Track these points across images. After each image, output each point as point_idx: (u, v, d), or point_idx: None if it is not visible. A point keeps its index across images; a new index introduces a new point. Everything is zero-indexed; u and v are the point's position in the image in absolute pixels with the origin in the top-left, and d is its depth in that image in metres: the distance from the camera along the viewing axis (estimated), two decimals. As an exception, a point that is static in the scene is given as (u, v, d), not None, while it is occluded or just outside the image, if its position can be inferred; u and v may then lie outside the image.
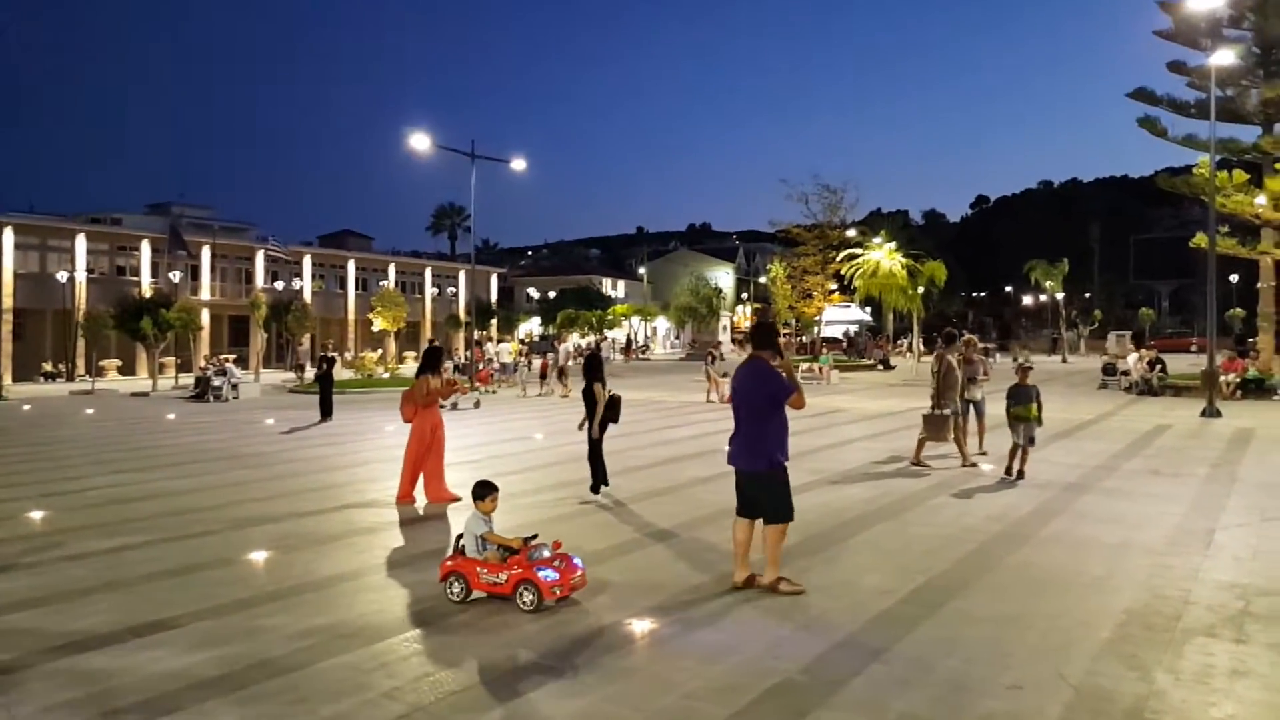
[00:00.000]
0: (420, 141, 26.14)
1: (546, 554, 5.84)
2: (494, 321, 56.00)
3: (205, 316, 43.64)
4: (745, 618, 5.56)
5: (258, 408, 23.02)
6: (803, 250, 44.78)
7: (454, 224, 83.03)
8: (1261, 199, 23.87)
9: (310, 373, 32.41)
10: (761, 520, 6.12)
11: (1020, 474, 10.36)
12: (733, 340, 64.24)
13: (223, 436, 16.44)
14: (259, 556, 7.25)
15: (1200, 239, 22.46)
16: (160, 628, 5.47)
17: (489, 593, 5.79)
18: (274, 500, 9.85)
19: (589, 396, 9.65)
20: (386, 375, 34.97)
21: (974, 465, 11.34)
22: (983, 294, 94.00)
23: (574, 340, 49.75)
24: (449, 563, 5.97)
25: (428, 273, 60.18)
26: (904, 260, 39.89)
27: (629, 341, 63.54)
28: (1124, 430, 15.46)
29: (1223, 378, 21.23)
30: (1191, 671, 4.64)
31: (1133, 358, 26.22)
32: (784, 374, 6.19)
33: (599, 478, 9.56)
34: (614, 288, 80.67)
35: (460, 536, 6.13)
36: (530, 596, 5.59)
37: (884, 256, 39.73)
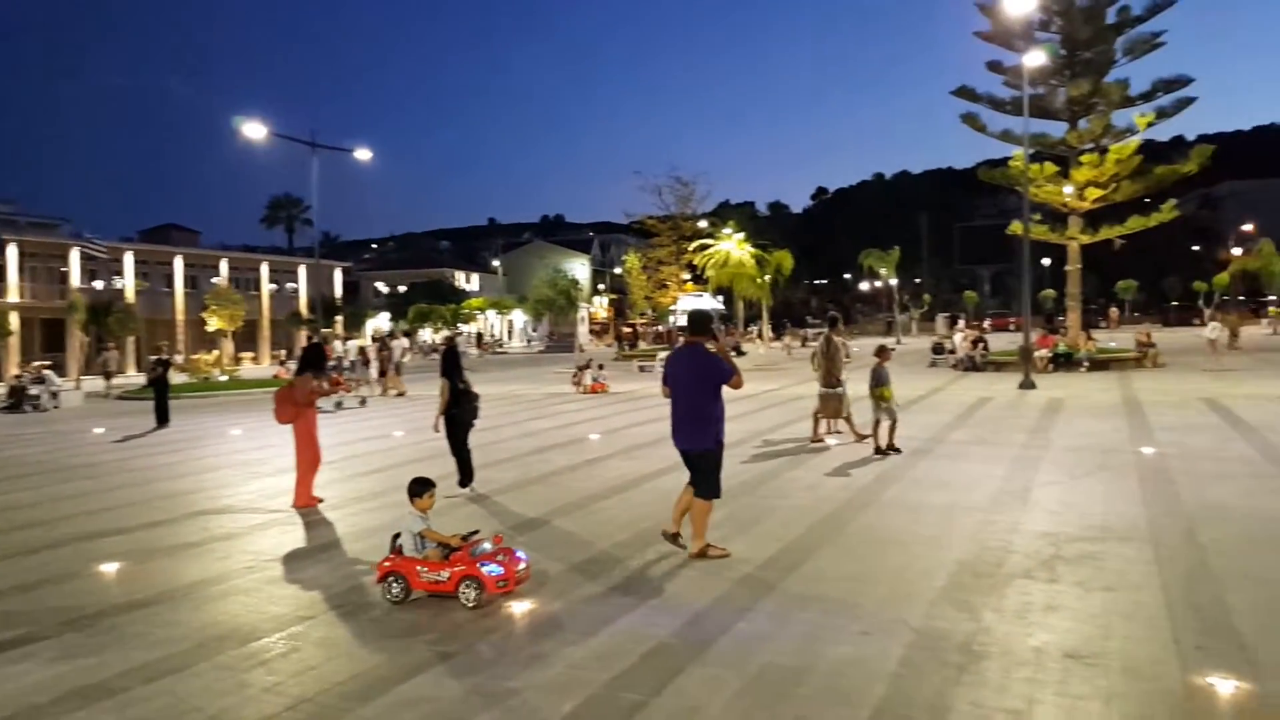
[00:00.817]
0: (255, 130, 24.89)
1: (488, 548, 5.80)
2: (340, 318, 54.00)
3: (14, 320, 39.88)
4: (621, 595, 5.83)
5: (83, 417, 21.42)
6: (657, 241, 45.70)
7: (291, 216, 79.24)
8: (1069, 189, 26.36)
9: (130, 379, 30.27)
10: (692, 492, 6.56)
11: (893, 448, 11.01)
12: (590, 332, 64.77)
13: (51, 448, 15.26)
14: (115, 567, 6.91)
15: (1016, 226, 24.59)
16: (23, 642, 5.20)
17: (430, 591, 5.69)
18: (121, 510, 9.33)
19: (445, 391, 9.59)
20: (224, 378, 33.18)
21: (822, 442, 12.13)
22: (824, 281, 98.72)
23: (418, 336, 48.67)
24: (387, 563, 5.82)
25: (264, 268, 57.16)
26: (753, 250, 41.44)
27: (479, 336, 62.76)
28: (952, 404, 16.82)
29: (1037, 353, 23.40)
30: (1013, 609, 5.28)
31: (959, 336, 28.42)
32: (721, 358, 6.62)
33: (465, 472, 9.59)
34: (468, 281, 79.41)
35: (397, 536, 6.00)
36: (474, 592, 5.51)
37: (734, 247, 41.15)
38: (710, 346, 6.68)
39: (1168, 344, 32.22)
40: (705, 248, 41.14)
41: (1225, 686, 4.09)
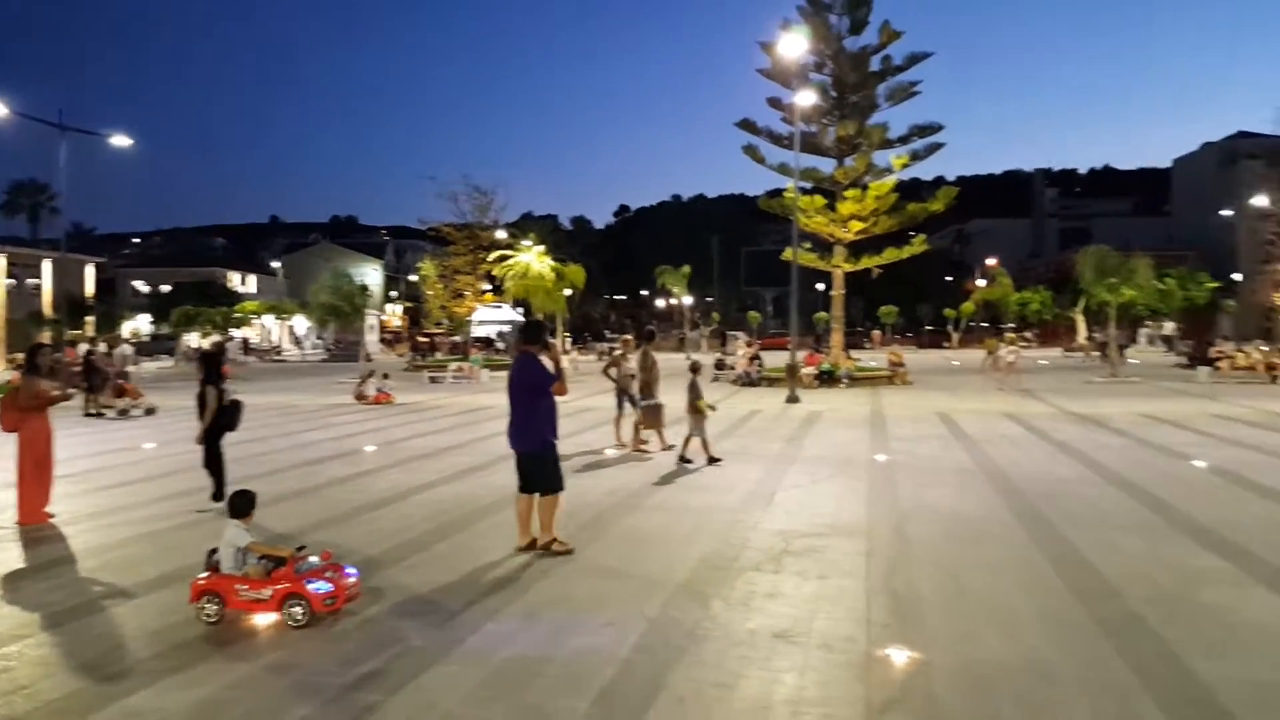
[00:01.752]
0: (-8, 107, 22.26)
1: (316, 562, 5.56)
2: (90, 319, 48.94)
3: None
4: (374, 603, 5.86)
5: None
6: (454, 250, 45.02)
7: (36, 204, 70.91)
8: (841, 220, 28.75)
9: None
10: (538, 494, 6.98)
11: (713, 459, 11.44)
12: (381, 341, 62.59)
13: None
14: None
15: (788, 253, 26.46)
16: None
17: (250, 610, 5.36)
18: None
19: (201, 400, 9.13)
20: (-49, 382, 29.21)
21: (624, 449, 12.66)
22: (624, 297, 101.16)
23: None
24: (201, 581, 5.42)
25: (1, 260, 50.86)
26: (552, 263, 41.87)
27: (246, 342, 58.97)
28: (726, 416, 17.90)
29: (804, 370, 25.33)
30: (738, 598, 5.85)
31: (742, 353, 30.21)
32: (550, 365, 7.12)
33: (219, 485, 9.13)
34: (243, 282, 74.39)
35: (214, 551, 5.60)
36: (300, 610, 5.26)
37: (534, 259, 41.38)
38: (543, 355, 7.17)
39: (918, 364, 35.88)
40: (505, 258, 41.06)
41: (899, 656, 4.79)
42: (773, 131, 30.48)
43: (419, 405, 21.35)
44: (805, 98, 25.21)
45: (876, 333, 66.68)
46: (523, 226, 58.29)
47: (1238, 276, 55.32)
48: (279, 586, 5.32)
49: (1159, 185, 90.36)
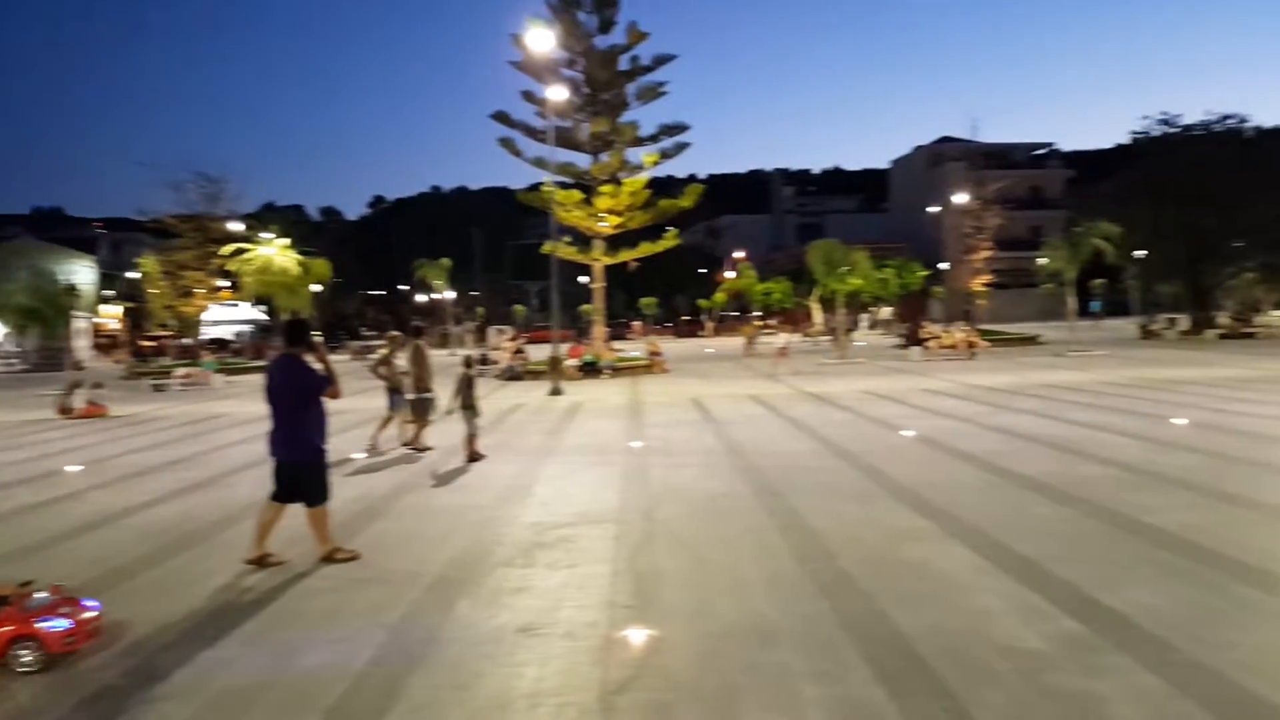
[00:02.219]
0: None
1: (46, 598, 4.79)
2: None
3: None
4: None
5: None
6: (180, 243, 40.97)
7: None
8: (599, 215, 29.26)
9: None
10: (305, 505, 6.59)
11: (476, 455, 11.22)
12: (95, 346, 55.79)
13: None
14: None
15: (548, 246, 26.61)
16: None
17: None
18: None
19: None
20: None
21: (429, 449, 12.12)
22: (382, 292, 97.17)
23: None
24: None
25: None
26: (297, 257, 39.27)
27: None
28: (488, 410, 17.63)
29: (568, 362, 25.61)
30: (486, 596, 5.76)
31: (504, 347, 29.99)
32: (320, 368, 6.66)
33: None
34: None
35: None
36: (31, 655, 4.52)
37: (276, 252, 38.59)
38: (309, 357, 6.71)
39: (676, 353, 37.44)
40: (241, 251, 37.91)
41: (638, 636, 4.91)
42: (529, 125, 30.45)
43: (138, 417, 19.25)
44: (557, 93, 25.41)
45: (637, 324, 68.87)
46: (263, 218, 54.25)
47: (945, 265, 62.77)
48: (3, 629, 4.64)
49: (880, 184, 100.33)
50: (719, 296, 70.27)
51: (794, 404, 17.04)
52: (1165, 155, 39.45)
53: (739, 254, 74.45)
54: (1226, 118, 40.29)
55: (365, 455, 12.01)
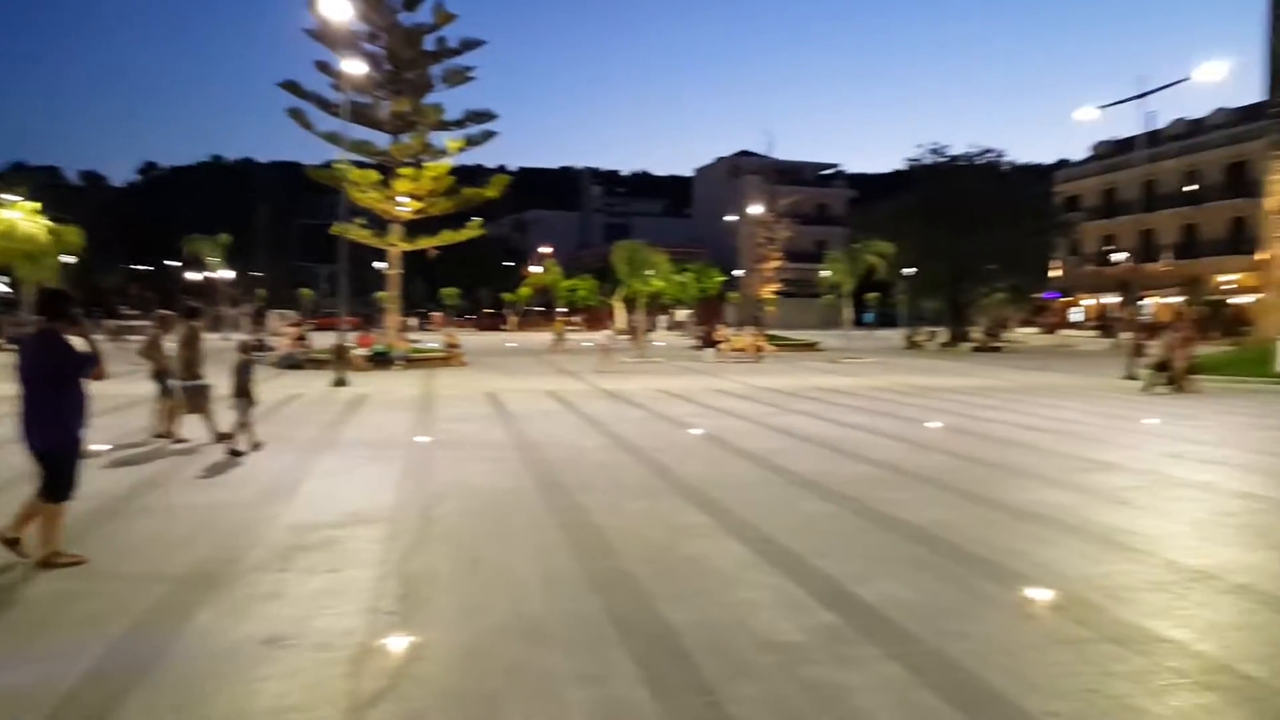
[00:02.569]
0: None
1: None
2: None
3: None
4: None
5: None
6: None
7: None
8: (396, 197, 27.98)
9: None
10: (42, 499, 5.87)
11: (253, 446, 10.57)
12: None
13: None
14: None
15: (338, 228, 25.17)
16: None
17: None
18: None
19: None
20: None
21: (172, 439, 11.12)
22: (149, 268, 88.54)
23: None
24: None
25: None
26: (47, 224, 34.90)
27: None
28: (262, 402, 16.40)
29: (356, 351, 24.36)
30: (231, 603, 5.22)
31: (285, 332, 28.09)
32: (83, 345, 5.88)
33: None
34: None
35: None
36: None
37: (22, 217, 34.10)
38: (71, 333, 5.93)
39: (477, 346, 36.73)
40: (-28, 214, 33.18)
41: (398, 644, 4.61)
42: (322, 98, 28.69)
43: None
44: (354, 66, 24.09)
45: (438, 314, 67.01)
46: (9, 178, 48.00)
47: (740, 272, 65.77)
48: None
49: (685, 190, 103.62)
50: (524, 291, 69.82)
51: (590, 400, 17.09)
52: (934, 182, 43.49)
53: (545, 249, 74.31)
54: (986, 152, 45.01)
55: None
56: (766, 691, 4.09)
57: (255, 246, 73.87)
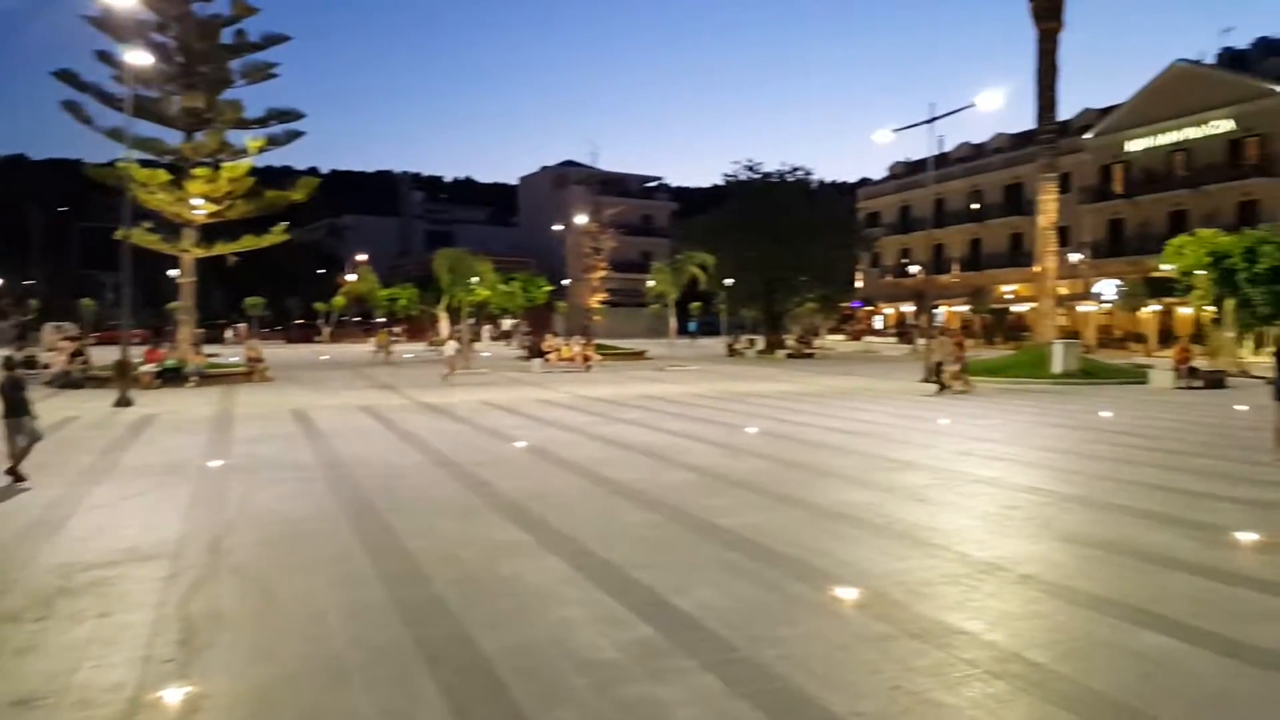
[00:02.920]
0: None
1: None
2: None
3: None
4: None
5: None
6: None
7: None
8: (192, 199, 25.77)
9: None
10: None
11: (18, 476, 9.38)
12: None
13: None
14: None
15: (122, 232, 22.93)
16: None
17: None
18: None
19: None
20: None
21: None
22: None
23: None
24: None
25: None
26: None
27: None
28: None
29: (144, 368, 22.26)
30: (-35, 665, 4.48)
31: (62, 348, 25.28)
32: None
33: None
34: None
35: None
36: None
37: None
38: None
39: (285, 360, 34.57)
40: None
41: (174, 696, 4.10)
42: (104, 90, 26.11)
43: None
44: (140, 57, 22.02)
45: (242, 326, 62.63)
46: None
47: (568, 282, 65.78)
48: None
49: (510, 198, 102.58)
50: (338, 300, 66.59)
51: (408, 415, 16.40)
52: (750, 197, 45.29)
53: (362, 256, 71.26)
54: (796, 170, 47.38)
55: None
56: (582, 717, 3.94)
57: (28, 252, 66.28)
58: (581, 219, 41.82)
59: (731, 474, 10.10)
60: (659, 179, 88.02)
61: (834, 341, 61.32)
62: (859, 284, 70.09)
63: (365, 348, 51.94)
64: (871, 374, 29.03)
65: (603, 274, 39.05)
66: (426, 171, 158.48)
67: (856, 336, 66.84)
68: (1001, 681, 4.33)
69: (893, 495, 8.90)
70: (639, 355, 39.06)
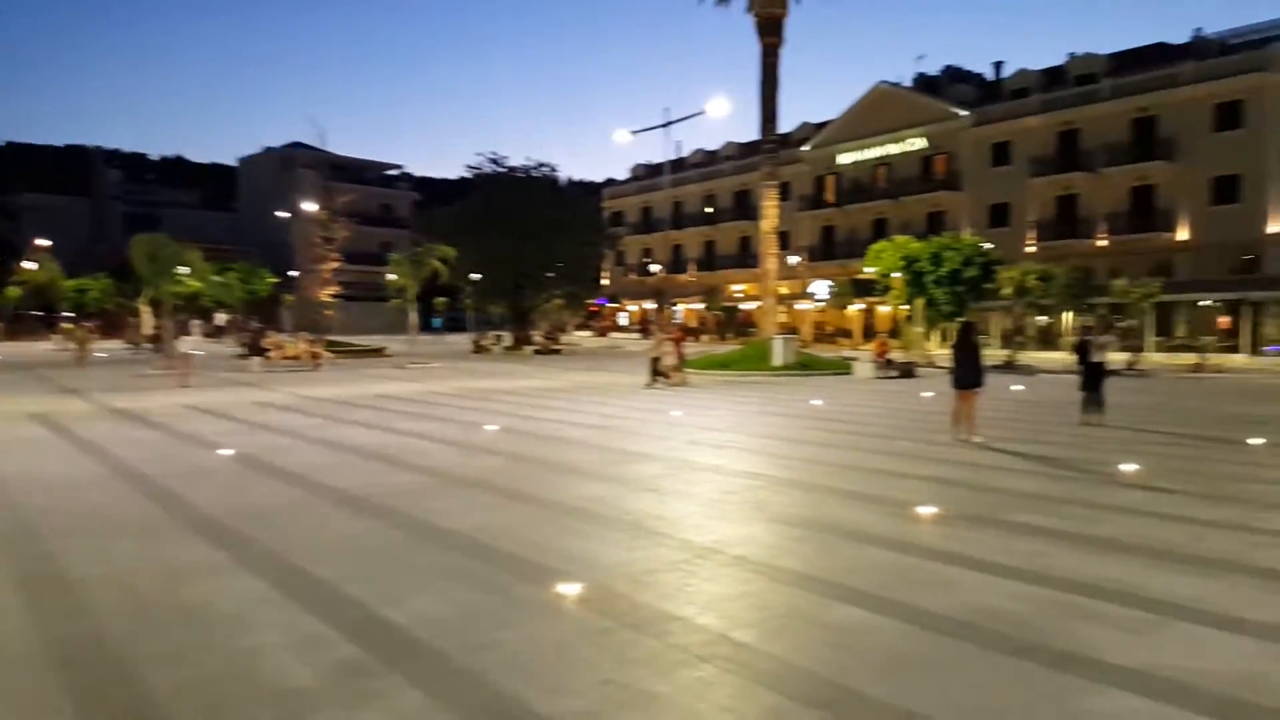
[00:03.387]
0: None
1: None
2: None
3: None
4: None
5: None
6: None
7: None
8: None
9: None
10: None
11: None
12: None
13: None
14: None
15: None
16: None
17: None
18: None
19: None
20: None
21: None
22: None
23: None
24: None
25: None
26: None
27: None
28: None
29: None
30: None
31: None
32: None
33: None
34: None
35: None
36: None
37: None
38: None
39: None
40: None
41: None
42: None
43: None
44: None
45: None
46: None
47: (296, 273, 61.46)
48: None
49: (228, 181, 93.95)
50: (12, 292, 57.56)
51: (93, 422, 14.35)
52: (496, 190, 44.79)
53: (44, 242, 62.10)
54: (542, 165, 47.51)
55: None
56: (261, 758, 3.48)
57: None
58: (311, 206, 39.17)
59: (465, 474, 9.75)
60: (400, 167, 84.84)
61: (581, 338, 62.45)
62: (605, 281, 71.94)
63: (46, 345, 45.29)
64: (615, 369, 29.73)
65: (335, 265, 36.83)
66: (129, 148, 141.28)
67: (602, 333, 68.52)
68: (709, 665, 4.40)
69: (627, 487, 9.00)
70: (378, 352, 37.30)
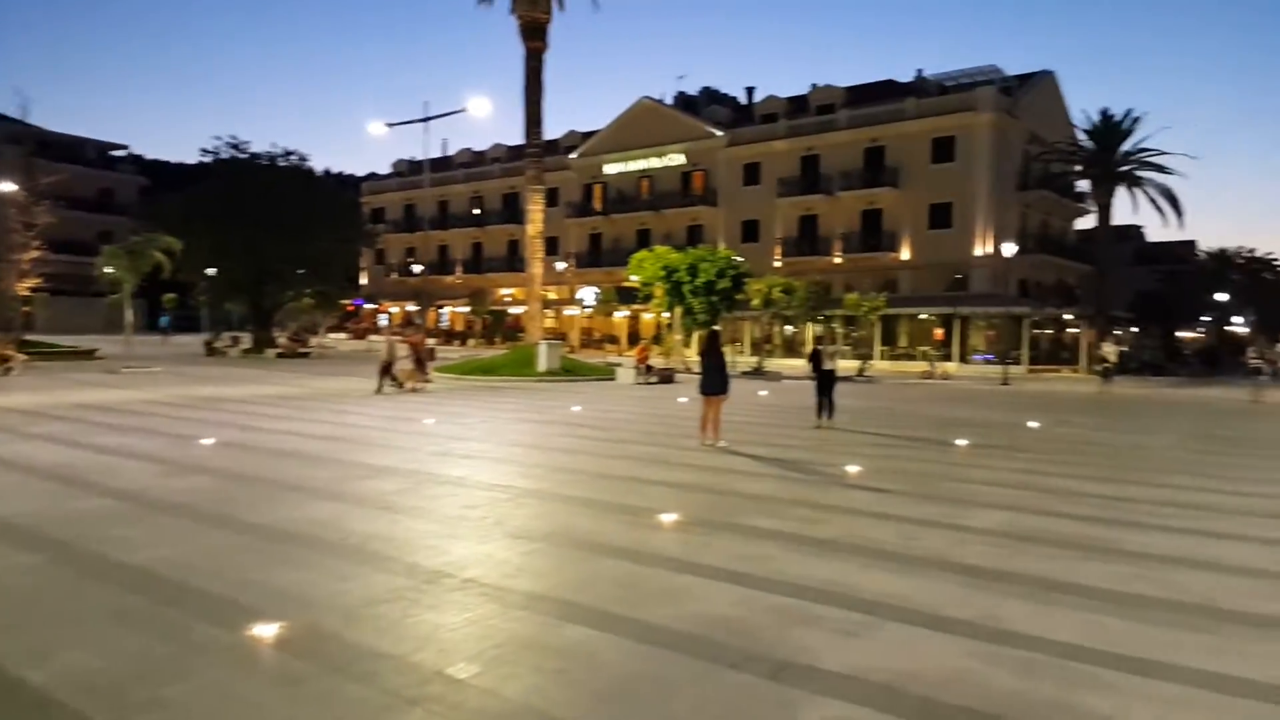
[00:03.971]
0: None
1: None
2: None
3: None
4: None
5: None
6: None
7: None
8: None
9: None
10: None
11: None
12: None
13: None
14: None
15: None
16: None
17: None
18: None
19: None
20: None
21: None
22: None
23: None
24: None
25: None
26: None
27: None
28: None
29: None
30: None
31: None
32: None
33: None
34: None
35: None
36: None
37: None
38: None
39: None
40: None
41: None
42: None
43: None
44: None
45: None
46: None
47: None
48: None
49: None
50: None
51: None
52: (235, 178, 41.01)
53: None
54: (290, 154, 44.14)
55: None
56: None
57: None
58: (9, 186, 33.83)
59: (165, 496, 8.52)
60: (125, 148, 75.76)
61: (335, 340, 58.98)
62: (363, 281, 68.43)
63: None
64: (369, 374, 28.05)
65: (37, 255, 32.10)
66: None
67: (360, 335, 65.13)
68: (417, 709, 3.94)
69: (359, 506, 8.25)
70: (88, 354, 32.87)
